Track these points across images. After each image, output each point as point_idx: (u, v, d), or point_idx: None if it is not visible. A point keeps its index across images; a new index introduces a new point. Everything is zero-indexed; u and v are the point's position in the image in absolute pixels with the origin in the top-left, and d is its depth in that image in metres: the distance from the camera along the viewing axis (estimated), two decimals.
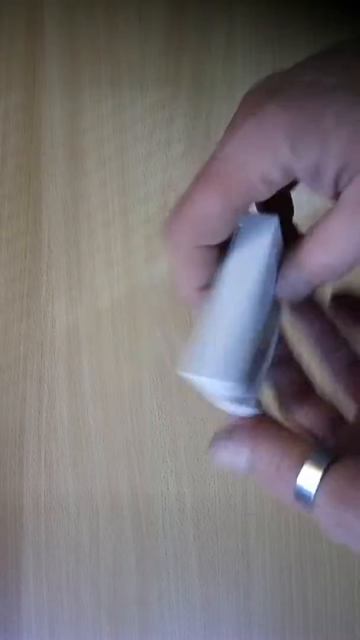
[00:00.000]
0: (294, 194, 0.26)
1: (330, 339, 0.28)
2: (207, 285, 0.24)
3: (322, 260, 0.22)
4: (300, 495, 0.21)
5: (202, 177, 0.22)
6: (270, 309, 0.24)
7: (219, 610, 0.48)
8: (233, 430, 0.24)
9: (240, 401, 0.24)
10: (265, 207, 0.25)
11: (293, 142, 0.20)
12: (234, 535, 0.48)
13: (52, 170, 0.51)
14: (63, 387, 0.49)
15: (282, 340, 0.27)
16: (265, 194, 0.21)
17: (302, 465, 0.22)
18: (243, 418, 0.25)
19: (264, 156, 0.21)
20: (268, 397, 0.27)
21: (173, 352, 0.49)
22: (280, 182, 0.21)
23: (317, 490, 0.21)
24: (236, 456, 0.24)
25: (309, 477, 0.21)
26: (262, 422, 0.24)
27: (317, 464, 0.21)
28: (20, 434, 0.49)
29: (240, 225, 0.24)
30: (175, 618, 0.48)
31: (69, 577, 0.48)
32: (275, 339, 0.26)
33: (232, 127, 0.21)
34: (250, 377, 0.22)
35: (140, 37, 0.52)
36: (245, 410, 0.25)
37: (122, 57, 0.52)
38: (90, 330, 0.50)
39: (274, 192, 0.22)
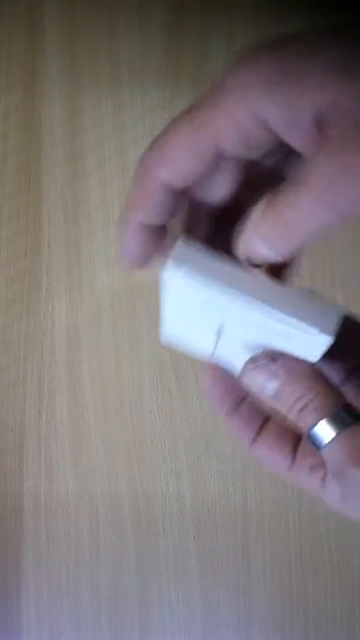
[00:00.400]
0: None
1: None
2: (152, 228, 0.24)
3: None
4: (313, 439, 0.23)
5: (180, 115, 0.22)
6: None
7: (219, 610, 0.48)
8: (279, 356, 0.25)
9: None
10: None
11: (266, 90, 0.20)
12: (234, 535, 0.48)
13: (52, 170, 0.51)
14: (63, 387, 0.49)
15: None
16: (236, 145, 0.21)
17: (329, 413, 0.23)
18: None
19: (239, 104, 0.21)
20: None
21: (173, 352, 0.49)
22: (253, 132, 0.21)
23: (331, 440, 0.23)
24: (269, 380, 0.24)
25: (329, 427, 0.23)
26: (304, 365, 0.25)
27: (341, 418, 0.23)
28: (20, 434, 0.49)
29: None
30: (175, 618, 0.48)
31: (69, 577, 0.48)
32: None
33: (218, 76, 0.22)
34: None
35: (141, 37, 0.52)
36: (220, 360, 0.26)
37: (122, 57, 0.52)
38: (90, 330, 0.50)
39: (244, 146, 0.21)
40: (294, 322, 0.23)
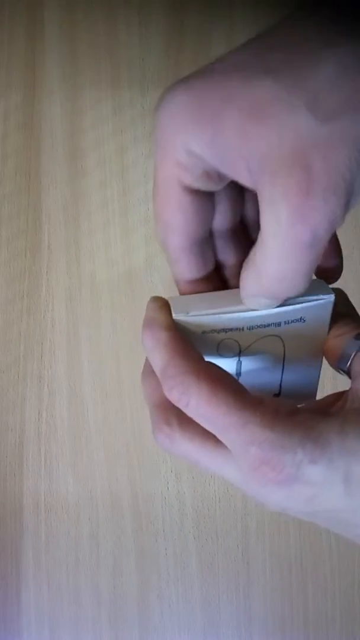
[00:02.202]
0: None
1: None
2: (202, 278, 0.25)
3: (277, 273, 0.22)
4: (344, 355, 0.24)
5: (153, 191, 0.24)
6: None
7: (219, 610, 0.48)
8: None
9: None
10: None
11: (192, 127, 0.20)
12: (234, 535, 0.48)
13: (52, 170, 0.51)
14: (63, 387, 0.49)
15: None
16: (191, 178, 0.22)
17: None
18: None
19: (172, 141, 0.21)
20: None
21: None
22: (196, 166, 0.21)
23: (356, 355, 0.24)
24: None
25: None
26: None
27: None
28: (20, 434, 0.49)
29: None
30: (175, 618, 0.48)
31: (69, 577, 0.48)
32: None
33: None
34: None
35: (141, 37, 0.52)
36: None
37: (122, 57, 0.52)
38: (90, 330, 0.50)
39: (201, 177, 0.22)
40: (298, 307, 0.24)
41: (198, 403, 0.22)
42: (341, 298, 0.26)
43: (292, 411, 0.22)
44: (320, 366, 0.27)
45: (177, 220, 0.23)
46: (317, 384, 0.28)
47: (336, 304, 0.25)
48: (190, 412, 0.22)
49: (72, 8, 0.53)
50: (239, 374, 0.27)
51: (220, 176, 0.22)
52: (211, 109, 0.20)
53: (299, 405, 0.23)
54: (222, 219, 0.25)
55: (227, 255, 0.26)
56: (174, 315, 0.25)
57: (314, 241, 0.20)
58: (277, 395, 0.28)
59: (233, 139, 0.20)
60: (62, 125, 0.52)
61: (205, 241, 0.25)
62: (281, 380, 0.27)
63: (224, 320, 0.25)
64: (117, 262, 0.50)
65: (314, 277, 0.25)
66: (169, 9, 0.52)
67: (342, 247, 0.27)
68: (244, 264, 0.23)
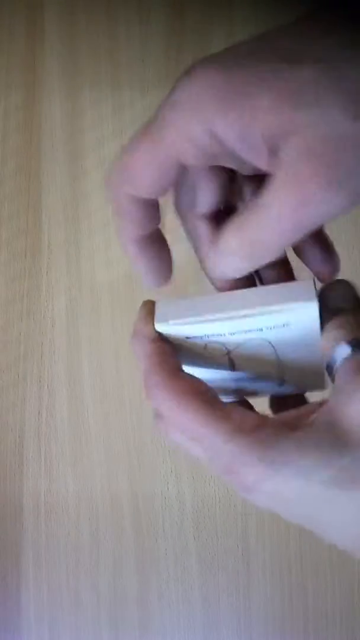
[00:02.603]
0: None
1: None
2: (144, 238, 0.25)
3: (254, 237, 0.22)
4: (332, 361, 0.24)
5: (137, 133, 0.23)
6: None
7: (219, 610, 0.48)
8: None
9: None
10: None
11: (219, 106, 0.20)
12: (234, 535, 0.48)
13: (52, 170, 0.51)
14: (63, 387, 0.49)
15: None
16: (196, 157, 0.22)
17: (352, 338, 0.23)
18: None
19: (191, 118, 0.21)
20: None
21: None
22: (209, 146, 0.21)
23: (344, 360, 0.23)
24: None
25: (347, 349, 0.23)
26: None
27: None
28: (20, 434, 0.49)
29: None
30: (175, 618, 0.48)
31: (69, 577, 0.48)
32: None
33: (172, 89, 0.22)
34: None
35: (141, 38, 0.52)
36: None
37: (122, 57, 0.52)
38: (90, 331, 0.50)
39: (206, 157, 0.22)
40: (277, 308, 0.24)
41: (169, 414, 0.24)
42: (346, 291, 0.25)
43: (257, 425, 0.22)
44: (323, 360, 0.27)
45: (149, 180, 0.23)
46: (324, 376, 0.27)
47: (339, 298, 0.24)
48: (165, 420, 0.24)
49: (72, 8, 0.53)
50: (232, 366, 0.27)
51: (219, 157, 0.22)
52: (245, 91, 0.20)
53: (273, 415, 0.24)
54: (210, 200, 0.26)
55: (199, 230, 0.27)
56: (156, 325, 0.26)
57: (310, 227, 0.21)
58: (282, 384, 0.28)
59: (264, 122, 0.20)
60: (62, 126, 0.52)
61: (158, 208, 0.25)
62: (282, 372, 0.27)
63: (205, 328, 0.25)
64: (117, 262, 0.50)
65: (309, 277, 0.25)
66: (169, 9, 0.52)
67: (342, 247, 0.27)
68: (231, 222, 0.23)
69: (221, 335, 0.25)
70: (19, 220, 0.51)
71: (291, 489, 0.22)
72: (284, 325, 0.24)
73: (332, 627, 0.48)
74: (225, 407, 0.23)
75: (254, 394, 0.29)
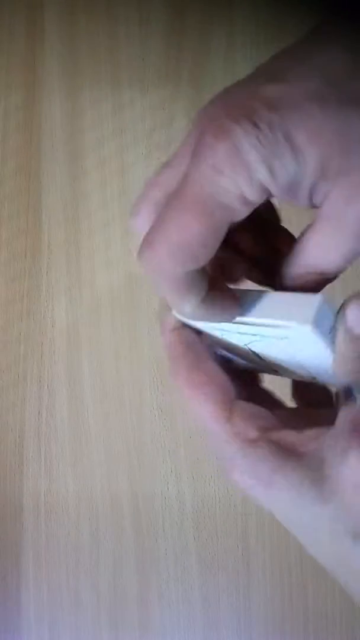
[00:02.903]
0: None
1: None
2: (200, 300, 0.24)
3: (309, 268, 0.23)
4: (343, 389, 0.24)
5: (178, 201, 0.21)
6: None
7: (219, 610, 0.48)
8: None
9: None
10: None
11: (268, 163, 0.20)
12: (234, 535, 0.48)
13: (52, 170, 0.51)
14: (63, 387, 0.49)
15: None
16: (244, 213, 0.21)
17: None
18: None
19: (241, 178, 0.20)
20: None
21: None
22: (258, 200, 0.21)
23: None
24: None
25: None
26: None
27: None
28: (20, 434, 0.49)
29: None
30: (175, 618, 0.48)
31: (69, 577, 0.48)
32: None
33: (202, 146, 0.21)
34: None
35: (141, 37, 0.52)
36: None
37: (122, 57, 0.52)
38: (90, 330, 0.50)
39: (252, 209, 0.22)
40: (273, 323, 0.23)
41: (187, 403, 0.25)
42: None
43: (256, 439, 0.23)
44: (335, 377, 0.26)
45: (209, 239, 0.21)
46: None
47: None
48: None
49: (72, 8, 0.53)
50: (257, 356, 0.26)
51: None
52: (286, 137, 0.20)
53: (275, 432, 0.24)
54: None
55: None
56: (174, 313, 0.25)
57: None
58: (314, 378, 0.27)
59: (310, 164, 0.20)
60: (62, 125, 0.52)
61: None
62: (307, 368, 0.27)
63: (212, 324, 0.25)
64: (117, 262, 0.50)
65: (317, 293, 0.24)
66: (169, 8, 0.52)
67: None
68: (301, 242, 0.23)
69: (231, 332, 0.25)
70: (19, 220, 0.51)
71: (272, 505, 0.23)
72: (283, 339, 0.24)
73: (332, 627, 0.48)
74: (233, 408, 0.24)
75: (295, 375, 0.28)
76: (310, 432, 0.23)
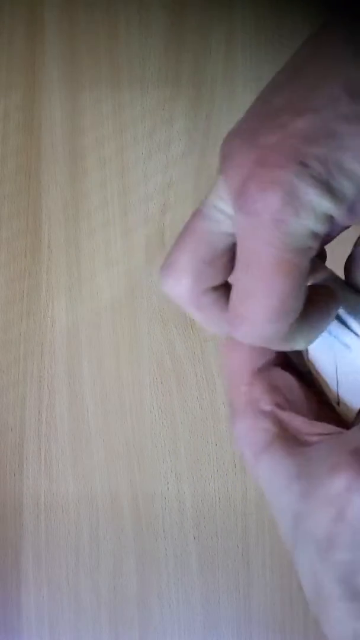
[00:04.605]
0: None
1: None
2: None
3: None
4: None
5: (255, 268, 0.21)
6: None
7: (219, 610, 0.48)
8: None
9: None
10: None
11: (328, 195, 0.20)
12: (234, 535, 0.48)
13: (52, 170, 0.51)
14: (63, 387, 0.49)
15: None
16: (318, 246, 0.21)
17: None
18: None
19: (307, 219, 0.20)
20: None
21: (173, 352, 0.49)
22: (328, 230, 0.21)
23: None
24: None
25: None
26: None
27: None
28: (20, 434, 0.49)
29: None
30: (175, 618, 0.48)
31: (69, 577, 0.48)
32: None
33: (251, 202, 0.20)
34: None
35: (141, 37, 0.52)
36: None
37: (122, 57, 0.52)
38: (90, 330, 0.50)
39: (323, 240, 0.22)
40: (343, 329, 0.23)
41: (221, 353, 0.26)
42: None
43: (266, 412, 0.23)
44: None
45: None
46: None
47: None
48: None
49: (72, 8, 0.53)
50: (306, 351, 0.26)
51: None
52: (337, 163, 0.20)
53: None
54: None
55: None
56: None
57: None
58: (337, 404, 0.26)
59: None
60: (62, 125, 0.52)
61: None
62: (337, 386, 0.26)
63: None
64: (117, 262, 0.50)
65: None
66: (169, 8, 0.52)
67: (342, 245, 0.27)
68: None
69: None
70: (19, 220, 0.51)
71: (259, 480, 0.23)
72: (347, 346, 0.23)
73: None
74: (260, 374, 0.24)
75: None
76: (321, 426, 0.23)
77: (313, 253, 0.21)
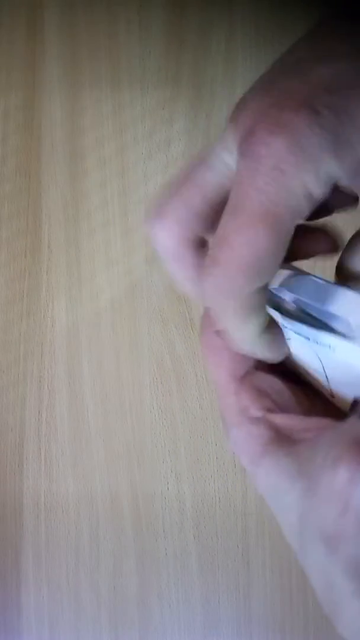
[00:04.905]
0: None
1: None
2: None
3: None
4: None
5: (240, 212, 0.20)
6: None
7: (219, 610, 0.48)
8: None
9: None
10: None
11: (335, 151, 0.19)
12: (234, 535, 0.48)
13: (52, 170, 0.51)
14: (63, 387, 0.49)
15: None
16: (309, 210, 0.20)
17: None
18: None
19: (307, 174, 0.19)
20: None
21: (173, 352, 0.49)
22: (325, 194, 0.20)
23: None
24: None
25: None
26: None
27: None
28: (20, 434, 0.49)
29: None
30: (175, 618, 0.48)
31: (69, 577, 0.48)
32: None
33: (256, 144, 0.19)
34: None
35: (141, 37, 0.52)
36: None
37: (122, 57, 0.52)
38: (90, 330, 0.50)
39: (316, 205, 0.20)
40: (322, 332, 0.22)
41: (207, 365, 0.25)
42: None
43: (257, 418, 0.23)
44: None
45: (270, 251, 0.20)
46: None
47: None
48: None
49: (72, 8, 0.53)
50: (289, 355, 0.26)
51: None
52: (348, 118, 0.19)
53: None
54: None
55: None
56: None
57: None
58: (332, 396, 0.26)
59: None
60: (62, 125, 0.52)
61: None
62: (330, 387, 0.26)
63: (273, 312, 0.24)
64: (117, 262, 0.50)
65: None
66: (169, 9, 0.52)
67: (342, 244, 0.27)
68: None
69: (285, 327, 0.24)
70: (19, 220, 0.51)
71: (260, 485, 0.22)
72: (329, 347, 0.23)
73: (332, 627, 0.48)
74: (245, 380, 0.24)
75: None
76: (316, 420, 0.23)
77: (301, 216, 0.20)
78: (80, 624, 0.48)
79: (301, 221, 0.21)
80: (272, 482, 0.22)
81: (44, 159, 0.51)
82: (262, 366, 0.25)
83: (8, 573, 0.48)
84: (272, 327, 0.23)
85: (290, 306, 0.23)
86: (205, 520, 0.49)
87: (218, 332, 0.24)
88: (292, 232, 0.20)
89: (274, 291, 0.23)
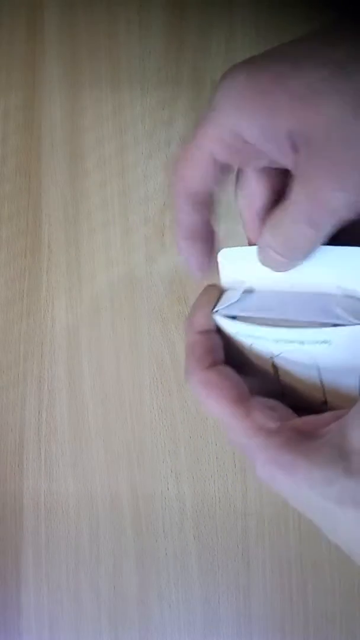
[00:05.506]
0: None
1: None
2: (192, 231, 0.27)
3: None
4: None
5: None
6: None
7: (219, 610, 0.48)
8: None
9: None
10: None
11: (241, 106, 0.22)
12: (234, 535, 0.48)
13: (52, 170, 0.51)
14: (63, 387, 0.49)
15: None
16: (227, 155, 0.24)
17: None
18: None
19: (219, 119, 0.23)
20: None
21: (173, 352, 0.49)
22: (236, 145, 0.23)
23: None
24: None
25: None
26: None
27: None
28: (20, 434, 0.49)
29: None
30: (175, 618, 0.48)
31: (69, 577, 0.48)
32: None
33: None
34: None
35: (141, 37, 0.52)
36: None
37: (122, 57, 0.52)
38: (91, 330, 0.50)
39: (238, 155, 0.24)
40: (316, 330, 0.23)
41: (204, 403, 0.26)
42: None
43: (276, 430, 0.24)
44: None
45: (194, 178, 0.26)
46: (357, 394, 0.26)
47: None
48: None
49: (72, 8, 0.53)
50: (276, 373, 0.26)
51: (251, 156, 0.24)
52: (264, 90, 0.22)
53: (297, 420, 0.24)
54: (256, 197, 0.27)
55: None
56: (212, 313, 0.26)
57: (327, 225, 0.22)
58: (324, 404, 0.27)
59: (282, 120, 0.22)
60: (62, 125, 0.52)
61: (208, 204, 0.27)
62: (325, 392, 0.26)
63: (250, 328, 0.25)
64: (117, 262, 0.50)
65: None
66: (168, 9, 0.52)
67: None
68: (268, 219, 0.25)
69: (266, 339, 0.25)
70: (19, 220, 0.51)
71: (297, 493, 0.23)
72: (324, 342, 0.23)
73: (332, 627, 0.48)
74: (250, 403, 0.25)
75: (299, 407, 0.27)
76: (328, 414, 0.24)
77: (220, 157, 0.24)
78: (80, 624, 0.48)
79: (224, 161, 0.25)
80: (317, 477, 0.22)
81: (44, 159, 0.51)
82: (254, 391, 0.27)
83: (8, 573, 0.48)
84: None
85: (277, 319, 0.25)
86: (205, 520, 0.49)
87: (203, 333, 0.27)
88: (211, 165, 0.25)
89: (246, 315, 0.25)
